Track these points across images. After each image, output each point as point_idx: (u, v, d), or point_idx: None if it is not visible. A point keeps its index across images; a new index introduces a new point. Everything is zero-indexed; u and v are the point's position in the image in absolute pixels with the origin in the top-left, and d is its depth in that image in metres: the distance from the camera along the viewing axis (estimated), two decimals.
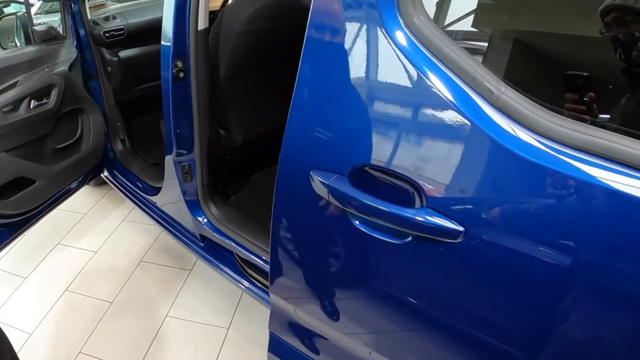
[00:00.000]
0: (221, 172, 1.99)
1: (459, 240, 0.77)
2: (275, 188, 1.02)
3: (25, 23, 2.08)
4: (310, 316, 1.17)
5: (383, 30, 0.79)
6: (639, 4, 0.69)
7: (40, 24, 2.05)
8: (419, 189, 0.79)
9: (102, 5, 2.73)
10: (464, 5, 0.85)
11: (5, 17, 2.16)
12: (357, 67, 0.82)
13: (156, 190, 2.09)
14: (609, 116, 0.72)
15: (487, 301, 0.81)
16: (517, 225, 0.72)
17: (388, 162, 0.81)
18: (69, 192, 2.21)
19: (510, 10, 0.89)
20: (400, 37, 0.78)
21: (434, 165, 0.77)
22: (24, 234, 2.08)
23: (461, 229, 0.75)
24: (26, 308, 2.22)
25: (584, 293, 0.69)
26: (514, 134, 0.70)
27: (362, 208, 0.86)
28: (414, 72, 0.76)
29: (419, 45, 0.77)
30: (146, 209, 2.24)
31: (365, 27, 0.81)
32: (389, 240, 0.86)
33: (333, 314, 1.08)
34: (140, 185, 2.25)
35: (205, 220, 1.82)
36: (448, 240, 0.78)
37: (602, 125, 0.68)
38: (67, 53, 2.09)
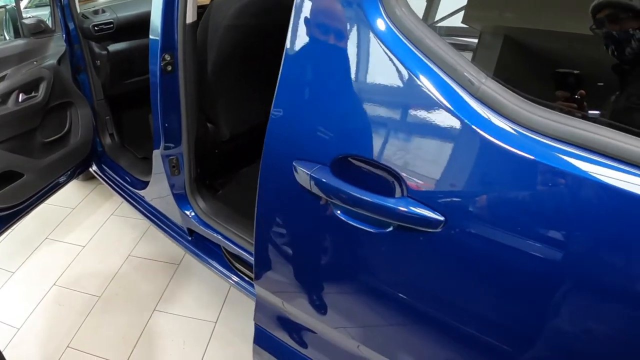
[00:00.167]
0: (209, 166, 1.99)
1: (439, 230, 0.77)
2: (259, 179, 1.02)
3: (15, 16, 2.07)
4: (294, 307, 1.17)
5: (365, 21, 0.79)
6: (633, 0, 0.69)
7: (29, 17, 2.04)
8: (399, 178, 0.79)
9: None
10: (452, 1, 0.86)
11: None
12: (338, 58, 0.82)
13: (144, 184, 2.09)
14: (598, 112, 0.72)
15: (468, 291, 0.81)
16: (497, 215, 0.72)
17: (369, 152, 0.81)
18: (57, 186, 2.20)
19: (499, 7, 0.89)
20: (382, 28, 0.78)
21: (415, 155, 0.77)
22: (12, 228, 2.08)
23: (441, 218, 0.76)
24: (14, 303, 2.21)
25: (563, 282, 0.69)
26: (494, 124, 0.70)
27: (344, 198, 0.86)
28: (395, 63, 0.77)
29: (400, 37, 0.77)
30: (134, 203, 2.23)
31: (347, 19, 0.81)
32: (371, 230, 0.86)
33: (317, 305, 1.09)
34: (129, 180, 2.25)
35: (193, 213, 1.82)
36: (429, 230, 0.78)
37: (584, 117, 0.68)
38: (56, 46, 2.08)
